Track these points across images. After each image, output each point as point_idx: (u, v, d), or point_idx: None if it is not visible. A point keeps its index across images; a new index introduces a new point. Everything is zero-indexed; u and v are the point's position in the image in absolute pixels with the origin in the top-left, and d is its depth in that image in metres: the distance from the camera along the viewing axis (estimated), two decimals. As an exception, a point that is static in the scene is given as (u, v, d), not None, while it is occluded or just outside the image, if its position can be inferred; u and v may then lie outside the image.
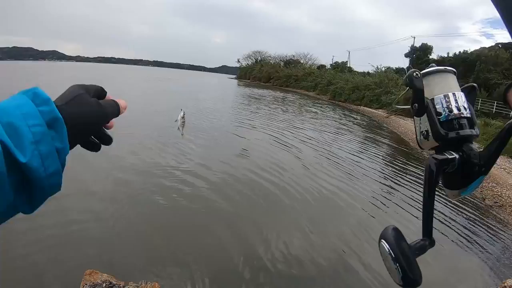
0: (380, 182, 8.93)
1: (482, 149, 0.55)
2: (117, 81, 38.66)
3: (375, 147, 14.14)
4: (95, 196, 5.97)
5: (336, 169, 9.44)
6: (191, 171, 7.72)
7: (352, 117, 24.29)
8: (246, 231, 5.28)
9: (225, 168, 8.21)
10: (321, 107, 29.37)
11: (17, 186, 0.39)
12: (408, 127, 19.19)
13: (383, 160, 12.09)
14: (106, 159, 7.80)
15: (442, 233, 6.04)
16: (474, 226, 6.73)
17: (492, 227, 6.83)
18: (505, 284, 3.29)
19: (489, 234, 6.44)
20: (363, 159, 11.27)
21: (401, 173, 10.08)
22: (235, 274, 4.15)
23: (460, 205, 7.80)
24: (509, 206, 7.92)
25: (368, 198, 7.48)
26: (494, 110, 22.05)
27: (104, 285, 2.49)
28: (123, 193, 6.23)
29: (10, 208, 0.39)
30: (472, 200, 8.33)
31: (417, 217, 6.49)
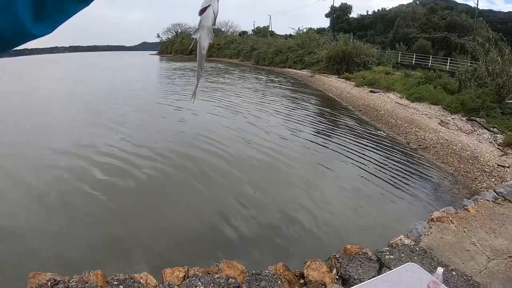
0: (313, 133, 9.53)
1: None
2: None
3: (304, 104, 14.52)
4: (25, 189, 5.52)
5: (274, 128, 9.77)
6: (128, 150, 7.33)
7: (278, 79, 24.03)
8: (186, 205, 5.17)
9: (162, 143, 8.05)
10: (260, 74, 28.73)
11: None
12: (333, 84, 19.30)
13: (313, 114, 12.63)
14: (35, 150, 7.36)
15: (373, 180, 6.26)
16: (402, 168, 6.94)
17: (419, 167, 7.10)
18: (432, 216, 3.66)
19: (417, 174, 6.70)
20: (294, 116, 11.79)
21: (330, 124, 10.78)
22: (181, 250, 4.04)
23: (387, 150, 8.09)
24: (432, 147, 8.15)
25: (305, 150, 7.98)
26: (413, 62, 23.46)
27: (49, 283, 2.51)
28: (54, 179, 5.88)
29: (16, 24, 0.38)
30: (398, 144, 8.66)
31: (351, 161, 7.12)
